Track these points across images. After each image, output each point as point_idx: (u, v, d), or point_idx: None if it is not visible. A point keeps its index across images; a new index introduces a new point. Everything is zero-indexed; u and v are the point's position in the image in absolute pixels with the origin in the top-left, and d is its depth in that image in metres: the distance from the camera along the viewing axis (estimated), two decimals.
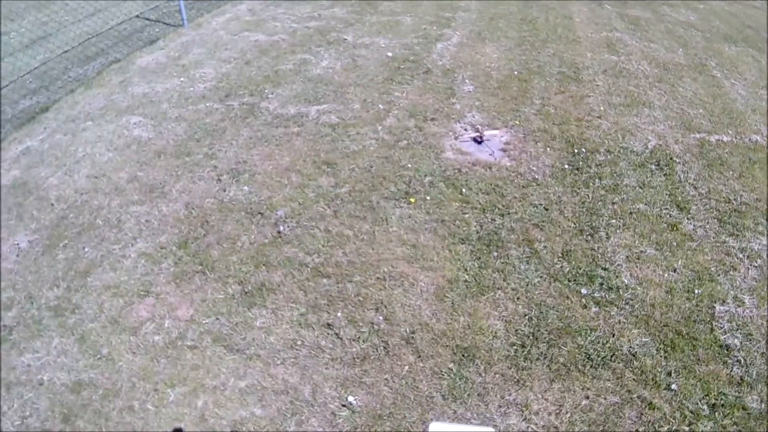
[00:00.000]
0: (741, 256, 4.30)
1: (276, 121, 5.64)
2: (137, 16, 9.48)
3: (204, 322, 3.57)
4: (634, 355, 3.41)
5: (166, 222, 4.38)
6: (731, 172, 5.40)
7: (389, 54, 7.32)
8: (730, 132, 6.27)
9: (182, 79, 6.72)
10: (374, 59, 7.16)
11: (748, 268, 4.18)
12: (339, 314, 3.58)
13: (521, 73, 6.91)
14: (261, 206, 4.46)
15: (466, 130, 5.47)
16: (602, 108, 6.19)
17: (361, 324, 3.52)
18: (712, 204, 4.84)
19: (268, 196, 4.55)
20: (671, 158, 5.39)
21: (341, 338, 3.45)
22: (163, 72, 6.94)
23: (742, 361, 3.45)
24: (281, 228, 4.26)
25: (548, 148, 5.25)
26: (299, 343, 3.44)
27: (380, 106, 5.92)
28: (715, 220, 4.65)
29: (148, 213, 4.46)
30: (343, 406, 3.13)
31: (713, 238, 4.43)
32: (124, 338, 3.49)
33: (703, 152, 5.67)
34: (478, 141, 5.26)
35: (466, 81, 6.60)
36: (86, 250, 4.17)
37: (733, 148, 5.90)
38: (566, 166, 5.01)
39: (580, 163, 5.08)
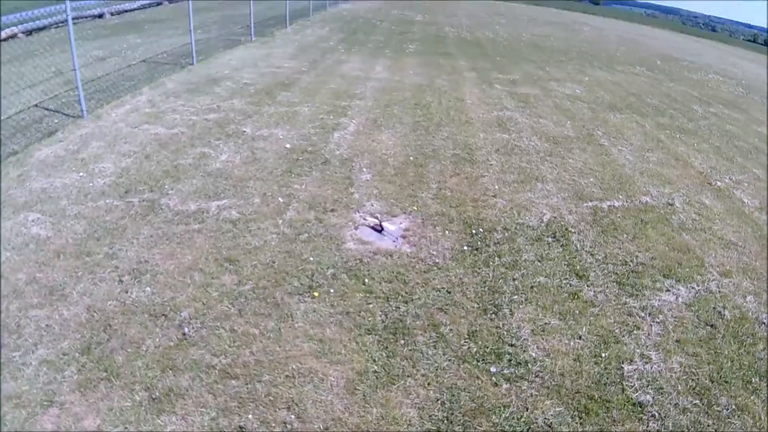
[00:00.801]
0: (643, 314, 4.77)
1: (177, 218, 5.76)
2: (36, 105, 9.55)
3: None
4: (550, 426, 3.66)
5: (67, 326, 4.32)
6: (625, 235, 6.00)
7: (288, 145, 7.71)
8: (620, 197, 6.99)
9: (81, 173, 6.76)
10: (273, 151, 7.52)
11: (651, 325, 4.64)
12: (250, 416, 3.64)
13: (417, 158, 7.44)
14: (164, 308, 4.50)
15: (365, 219, 5.81)
16: (497, 186, 6.75)
17: (273, 424, 3.59)
18: (609, 268, 5.34)
19: (171, 297, 4.61)
20: (566, 229, 5.94)
21: None
22: (62, 166, 6.96)
23: (657, 414, 3.81)
24: (186, 330, 4.32)
25: (447, 231, 5.66)
26: None
27: (280, 199, 6.18)
28: (614, 284, 5.13)
29: (48, 317, 4.39)
30: None
31: (614, 301, 4.88)
32: None
33: (596, 219, 6.28)
34: (378, 230, 5.59)
35: (364, 169, 7.02)
36: None
37: (625, 212, 6.57)
38: (465, 248, 5.42)
39: (479, 243, 5.50)
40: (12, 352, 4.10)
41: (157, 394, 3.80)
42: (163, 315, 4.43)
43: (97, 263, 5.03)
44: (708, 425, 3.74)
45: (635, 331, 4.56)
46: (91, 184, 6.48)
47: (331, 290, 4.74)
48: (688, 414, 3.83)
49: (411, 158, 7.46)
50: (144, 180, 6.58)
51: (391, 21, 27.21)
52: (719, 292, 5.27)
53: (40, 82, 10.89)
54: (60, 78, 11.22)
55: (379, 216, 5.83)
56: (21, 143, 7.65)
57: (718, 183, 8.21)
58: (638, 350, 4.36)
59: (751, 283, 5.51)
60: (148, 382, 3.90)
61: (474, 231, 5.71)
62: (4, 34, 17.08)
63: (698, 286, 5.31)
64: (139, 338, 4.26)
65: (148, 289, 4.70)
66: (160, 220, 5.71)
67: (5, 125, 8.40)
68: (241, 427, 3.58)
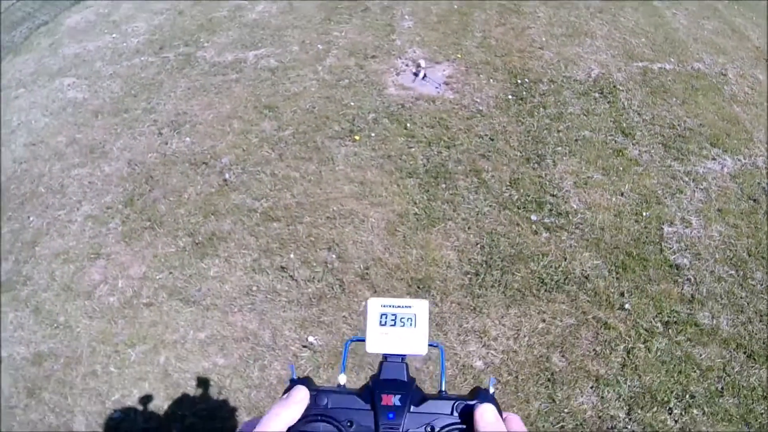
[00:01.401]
0: (686, 179, 4.56)
1: (213, 69, 5.58)
2: None
3: (157, 277, 3.56)
4: (586, 278, 3.59)
5: (109, 182, 4.31)
6: (674, 99, 5.66)
7: None
8: (672, 60, 6.54)
9: (114, 35, 6.58)
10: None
11: (694, 191, 4.44)
12: (292, 256, 3.63)
13: (461, 6, 6.97)
14: (205, 156, 4.43)
15: (407, 65, 5.50)
16: (544, 39, 6.34)
17: (314, 264, 3.57)
18: (656, 130, 5.08)
19: (211, 146, 4.52)
20: (614, 86, 5.60)
21: (296, 280, 3.50)
22: (94, 30, 6.77)
23: (692, 279, 3.71)
24: (227, 176, 4.25)
25: (491, 80, 5.37)
26: (255, 288, 3.48)
27: (319, 46, 5.89)
28: (660, 145, 4.89)
29: (90, 175, 4.38)
30: (304, 347, 3.20)
31: (659, 162, 4.66)
32: (79, 304, 3.46)
33: (646, 80, 5.91)
34: (421, 76, 5.32)
35: (406, 16, 6.61)
36: (31, 219, 4.09)
37: (676, 76, 6.17)
38: (510, 97, 5.15)
39: (524, 93, 5.22)
40: (57, 212, 4.10)
41: (200, 238, 3.78)
42: (204, 163, 4.34)
43: (136, 119, 4.92)
44: (741, 297, 3.64)
45: (678, 195, 4.37)
46: (124, 44, 6.26)
47: (372, 134, 4.56)
48: (723, 283, 3.72)
49: (455, 6, 6.97)
50: (178, 35, 6.32)
51: None
52: (765, 168, 4.99)
53: None
54: None
55: (421, 62, 5.55)
56: (50, 13, 7.39)
57: None
58: (679, 214, 4.20)
59: None
60: (191, 228, 3.87)
61: (519, 81, 5.39)
62: None
63: (745, 159, 5.03)
64: (181, 187, 4.20)
65: (187, 139, 4.60)
66: (197, 73, 5.51)
67: None
68: (283, 267, 3.56)
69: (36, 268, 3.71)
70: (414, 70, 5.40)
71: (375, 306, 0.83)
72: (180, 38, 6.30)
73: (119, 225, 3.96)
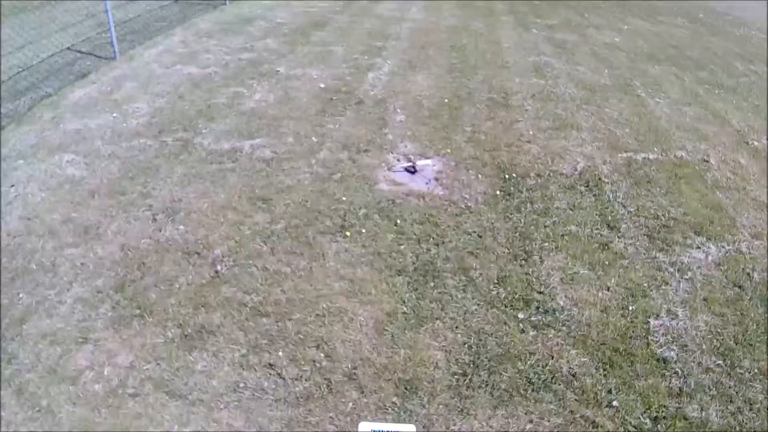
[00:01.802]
0: (671, 270, 4.65)
1: (210, 157, 5.74)
2: (68, 49, 9.60)
3: (145, 368, 3.58)
4: (574, 376, 3.63)
5: (102, 265, 4.37)
6: (658, 189, 5.84)
7: (321, 85, 7.59)
8: (655, 149, 6.78)
9: (115, 114, 6.81)
10: (307, 91, 7.41)
11: (679, 282, 4.53)
12: (280, 353, 3.67)
13: (452, 101, 7.26)
14: (197, 246, 4.52)
15: (398, 160, 5.72)
16: (531, 132, 6.58)
17: (302, 362, 3.61)
18: (641, 221, 5.22)
19: (204, 235, 4.62)
20: (600, 179, 5.78)
21: (284, 378, 3.53)
22: (96, 107, 7.02)
23: (680, 372, 3.74)
24: (219, 267, 4.33)
25: (480, 175, 5.55)
26: (242, 385, 3.50)
27: (314, 138, 6.11)
28: (645, 237, 5.01)
29: (83, 256, 4.44)
30: None
31: (644, 254, 4.77)
32: (64, 388, 3.45)
33: (630, 171, 6.11)
34: (411, 171, 5.49)
35: (398, 111, 6.88)
36: (21, 296, 4.12)
37: (659, 165, 6.38)
38: (498, 192, 5.31)
39: (512, 188, 5.38)
40: (47, 290, 4.15)
41: (189, 330, 3.83)
42: (196, 253, 4.43)
43: (131, 202, 5.04)
44: (730, 386, 3.66)
45: (663, 287, 4.46)
46: (124, 125, 6.48)
47: (363, 230, 4.69)
48: (711, 374, 3.75)
49: (445, 101, 7.28)
50: (177, 120, 6.55)
51: None
52: (749, 253, 5.09)
53: (72, 24, 10.86)
54: (92, 20, 11.17)
55: (412, 157, 5.73)
56: (54, 86, 7.70)
57: (755, 143, 7.88)
58: (665, 306, 4.27)
59: None
60: (181, 319, 3.92)
61: (507, 176, 5.58)
62: None
63: (728, 245, 5.14)
64: (173, 276, 4.28)
65: (181, 227, 4.71)
66: (194, 159, 5.69)
67: (39, 69, 8.40)
68: (271, 364, 3.60)
69: (22, 347, 3.71)
70: (407, 166, 5.57)
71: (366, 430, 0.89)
72: (179, 123, 6.53)
73: (109, 310, 3.99)
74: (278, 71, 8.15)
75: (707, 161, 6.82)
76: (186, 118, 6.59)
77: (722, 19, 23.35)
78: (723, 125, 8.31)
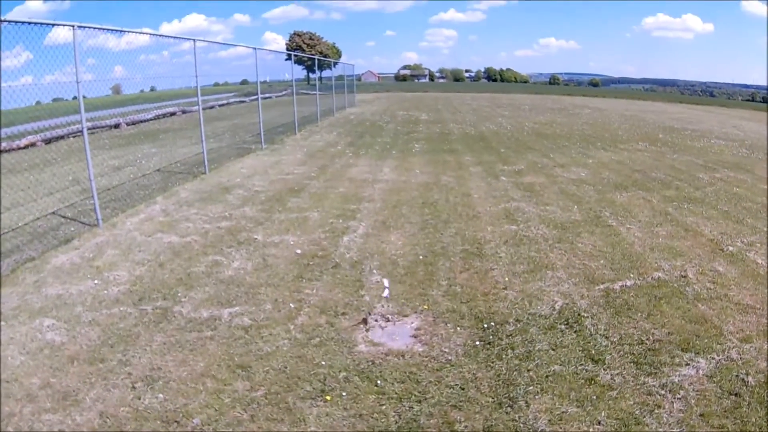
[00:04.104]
0: (663, 392, 4.70)
1: (189, 325, 5.87)
2: (53, 213, 10.18)
3: None
4: None
5: None
6: (639, 314, 6.00)
7: (298, 251, 7.92)
8: (632, 275, 7.02)
9: (96, 281, 7.00)
10: (284, 257, 7.72)
11: (672, 402, 4.56)
12: None
13: (426, 257, 7.57)
14: (177, 414, 4.53)
15: (376, 320, 5.86)
16: (507, 278, 6.82)
17: None
18: (625, 349, 5.31)
19: (183, 404, 4.64)
20: (579, 314, 5.95)
21: None
22: (78, 273, 7.24)
23: None
24: None
25: (458, 328, 5.70)
26: None
27: (291, 305, 6.29)
28: (632, 364, 5.09)
29: (61, 422, 4.42)
30: None
31: (632, 382, 4.82)
32: None
33: (609, 301, 6.30)
34: (389, 331, 5.63)
35: (374, 271, 7.15)
36: None
37: (638, 291, 6.59)
38: (478, 343, 5.44)
39: (491, 336, 5.52)
40: None
41: None
42: (176, 421, 4.46)
43: (111, 369, 5.13)
44: None
45: (656, 410, 4.46)
46: (105, 292, 6.71)
47: (344, 393, 4.75)
48: None
49: (420, 257, 7.60)
50: (157, 288, 6.80)
51: (397, 122, 28.34)
52: (741, 359, 5.18)
53: (58, 190, 11.81)
54: (77, 186, 12.04)
55: (390, 317, 5.91)
56: (38, 250, 8.10)
57: (730, 248, 8.21)
58: (660, 429, 4.27)
59: None
60: None
61: (486, 325, 5.74)
62: (24, 142, 18.32)
63: (718, 355, 5.22)
64: None
65: (160, 395, 4.76)
66: (173, 328, 5.84)
67: (23, 231, 8.94)
68: None
69: None
70: (384, 326, 5.71)
71: None
72: (159, 291, 6.71)
73: None
74: (256, 239, 8.55)
75: (685, 276, 7.05)
76: (166, 287, 6.81)
77: (681, 135, 24.83)
78: (696, 238, 8.65)
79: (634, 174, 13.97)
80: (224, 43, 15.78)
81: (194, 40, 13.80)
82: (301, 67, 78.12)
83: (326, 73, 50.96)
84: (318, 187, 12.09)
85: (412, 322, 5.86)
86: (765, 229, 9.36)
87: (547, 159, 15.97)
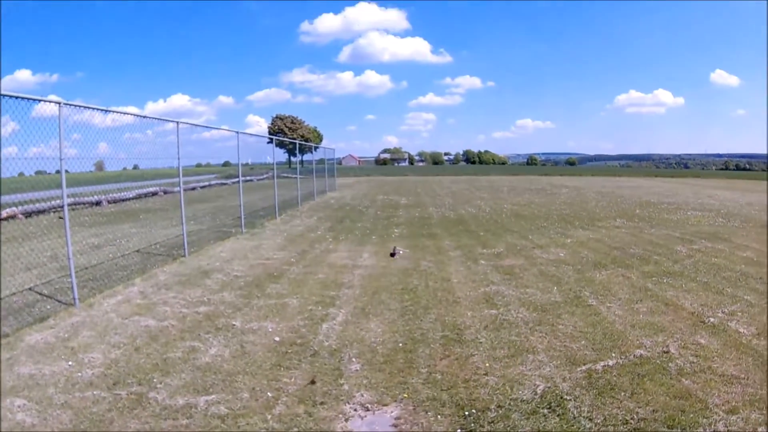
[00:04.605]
0: None
1: (164, 412, 5.74)
2: (30, 289, 10.19)
3: None
4: None
5: None
6: (623, 393, 6.01)
7: (277, 338, 7.88)
8: (614, 354, 7.05)
9: (70, 362, 6.91)
10: (262, 344, 7.66)
11: None
12: None
13: (406, 344, 7.57)
14: None
15: (355, 410, 5.80)
16: (488, 364, 6.83)
17: None
18: (610, 431, 5.27)
19: None
20: (562, 398, 5.95)
21: None
22: (52, 353, 7.15)
23: None
24: None
25: (439, 416, 5.65)
26: None
27: (269, 393, 6.20)
28: None
29: None
30: None
31: None
32: None
33: (591, 382, 6.31)
34: (369, 420, 5.57)
35: (353, 359, 7.11)
36: None
37: (620, 369, 6.62)
38: (459, 431, 5.35)
39: (472, 424, 5.48)
40: None
41: None
42: None
43: None
44: None
45: None
46: (79, 374, 6.61)
47: None
48: None
49: (400, 344, 7.58)
50: (133, 372, 6.71)
51: (377, 206, 28.75)
52: (728, 430, 5.18)
53: (36, 266, 11.82)
54: (55, 263, 12.10)
55: (369, 406, 5.86)
56: (12, 326, 8.06)
57: (711, 319, 8.34)
58: None
59: (761, 414, 5.45)
60: None
61: (467, 412, 5.69)
62: (4, 214, 18.24)
63: (705, 430, 5.23)
64: None
65: None
66: (148, 414, 5.72)
67: None
68: None
69: None
70: (363, 416, 5.64)
71: None
72: (134, 375, 6.59)
73: None
74: (234, 325, 8.50)
75: (667, 352, 7.11)
76: (141, 371, 6.71)
77: (658, 209, 25.42)
78: (677, 312, 8.78)
79: (613, 251, 14.21)
80: (207, 126, 16.30)
81: (177, 122, 14.24)
82: (282, 150, 79.77)
83: (307, 157, 52.21)
84: (297, 273, 12.14)
85: (392, 411, 5.80)
86: (746, 297, 9.61)
87: (525, 240, 16.20)
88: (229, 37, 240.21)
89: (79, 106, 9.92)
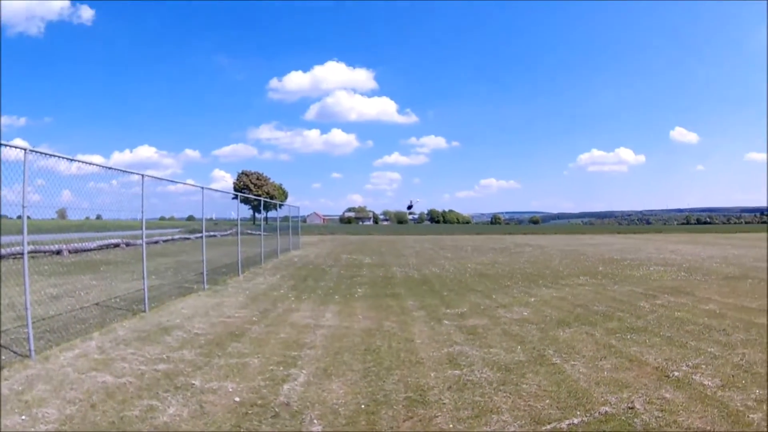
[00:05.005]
0: None
1: None
2: None
3: None
4: None
5: None
6: None
7: (237, 399, 7.67)
8: (578, 413, 7.06)
9: (24, 417, 6.71)
10: (222, 405, 7.44)
11: None
12: None
13: (368, 406, 7.46)
14: None
15: None
16: (451, 425, 6.77)
17: None
18: None
19: None
20: None
21: None
22: (5, 407, 6.93)
23: None
24: None
25: None
26: None
27: None
28: None
29: None
30: None
31: None
32: None
33: None
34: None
35: (314, 421, 6.97)
36: None
37: (586, 427, 6.65)
38: None
39: None
40: None
41: None
42: None
43: None
44: None
45: None
46: (32, 429, 6.41)
47: None
48: None
49: (362, 406, 7.45)
50: (88, 430, 6.48)
51: (340, 265, 28.67)
52: None
53: None
54: (12, 312, 11.98)
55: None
56: None
57: (676, 373, 8.43)
58: None
59: None
60: None
61: None
62: None
63: None
64: None
65: None
66: None
67: None
68: None
69: None
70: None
71: None
72: None
73: None
74: (194, 384, 8.26)
75: (633, 408, 7.14)
76: (96, 430, 6.48)
77: (621, 265, 25.90)
78: (641, 367, 8.85)
79: (576, 309, 14.34)
80: (171, 180, 16.23)
81: (142, 175, 14.22)
82: (247, 207, 79.61)
83: (272, 214, 52.23)
84: (259, 332, 11.93)
85: None
86: (709, 350, 9.79)
87: (489, 300, 16.25)
88: (198, 91, 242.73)
89: (45, 154, 9.90)
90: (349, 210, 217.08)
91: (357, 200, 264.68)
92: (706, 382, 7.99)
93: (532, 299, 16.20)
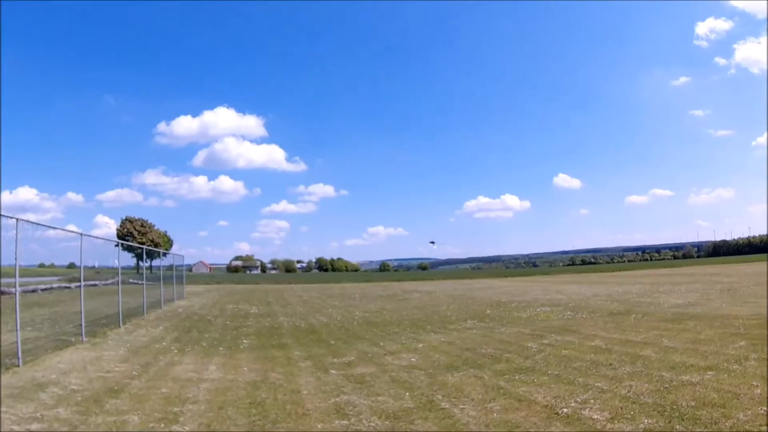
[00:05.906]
0: None
1: None
2: None
3: None
4: None
5: None
6: None
7: None
8: None
9: None
10: None
11: None
12: None
13: None
14: None
15: None
16: None
17: None
18: None
19: None
20: None
21: None
22: None
23: None
24: None
25: None
26: None
27: None
28: None
29: None
30: None
31: None
32: None
33: None
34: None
35: None
36: None
37: None
38: None
39: None
40: None
41: None
42: None
43: None
44: None
45: None
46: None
47: None
48: None
49: None
50: None
51: (226, 316, 27.98)
52: None
53: None
54: None
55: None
56: None
57: (565, 410, 8.69)
58: None
59: None
60: None
61: None
62: None
63: None
64: None
65: None
66: None
67: None
68: None
69: None
70: None
71: None
72: None
73: None
74: None
75: None
76: None
77: (508, 308, 26.77)
78: (530, 406, 9.07)
79: (465, 353, 14.58)
80: (50, 226, 15.37)
81: (17, 219, 13.60)
82: (131, 255, 76.41)
83: (156, 263, 50.30)
84: (140, 387, 11.27)
85: None
86: (597, 384, 10.21)
87: (377, 347, 16.24)
88: (83, 131, 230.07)
89: None
90: (237, 259, 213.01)
91: (244, 249, 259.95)
92: (595, 416, 8.29)
93: (420, 345, 16.34)
